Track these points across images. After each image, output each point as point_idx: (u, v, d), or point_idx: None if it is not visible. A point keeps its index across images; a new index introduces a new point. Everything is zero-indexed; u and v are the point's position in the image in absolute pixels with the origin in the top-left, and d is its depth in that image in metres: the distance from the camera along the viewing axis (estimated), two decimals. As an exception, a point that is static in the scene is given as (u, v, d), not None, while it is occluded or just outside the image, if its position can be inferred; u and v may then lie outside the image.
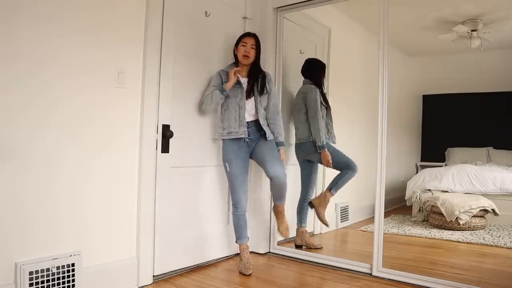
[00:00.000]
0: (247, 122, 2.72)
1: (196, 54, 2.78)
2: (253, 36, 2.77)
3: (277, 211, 2.85)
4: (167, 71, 2.54)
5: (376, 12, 2.70)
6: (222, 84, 2.70)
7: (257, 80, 2.75)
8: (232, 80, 2.64)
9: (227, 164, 2.72)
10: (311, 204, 3.23)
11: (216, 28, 2.92)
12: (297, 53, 3.56)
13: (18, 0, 1.83)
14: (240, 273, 2.68)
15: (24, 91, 1.87)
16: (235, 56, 2.79)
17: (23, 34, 1.85)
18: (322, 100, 3.16)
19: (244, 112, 2.68)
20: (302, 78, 3.30)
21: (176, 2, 2.58)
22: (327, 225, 3.12)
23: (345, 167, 3.15)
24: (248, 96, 2.72)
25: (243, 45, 2.73)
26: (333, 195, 3.16)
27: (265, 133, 2.74)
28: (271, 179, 2.70)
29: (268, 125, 2.80)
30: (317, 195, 3.28)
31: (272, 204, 2.94)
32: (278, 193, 2.76)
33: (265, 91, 2.76)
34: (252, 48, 2.73)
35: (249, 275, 2.65)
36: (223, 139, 2.75)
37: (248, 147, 2.75)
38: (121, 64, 2.28)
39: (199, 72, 2.80)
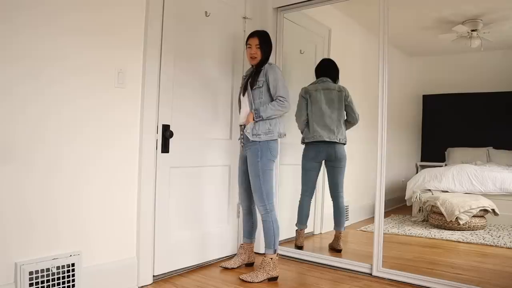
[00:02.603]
0: (244, 125, 2.65)
1: (196, 54, 2.77)
2: (256, 35, 2.66)
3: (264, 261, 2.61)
4: (167, 71, 2.54)
5: (376, 12, 2.70)
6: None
7: (251, 75, 2.67)
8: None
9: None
10: (338, 250, 3.20)
11: (216, 28, 2.92)
12: (297, 53, 3.56)
13: (18, 1, 1.83)
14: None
15: (24, 91, 1.87)
16: None
17: (23, 34, 1.85)
18: None
19: (240, 114, 2.71)
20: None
21: (176, 2, 2.58)
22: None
23: (333, 193, 3.20)
24: (243, 93, 2.67)
25: (249, 47, 2.67)
26: (342, 231, 3.25)
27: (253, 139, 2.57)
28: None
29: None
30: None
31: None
32: (264, 232, 2.62)
33: (256, 85, 2.59)
34: (257, 47, 2.63)
35: (232, 269, 2.73)
36: None
37: (244, 152, 2.68)
38: (121, 64, 2.28)
39: (199, 72, 2.80)
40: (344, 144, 3.18)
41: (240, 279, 2.54)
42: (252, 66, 2.73)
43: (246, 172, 2.71)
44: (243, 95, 2.67)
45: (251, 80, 2.65)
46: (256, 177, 2.57)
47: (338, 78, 3.29)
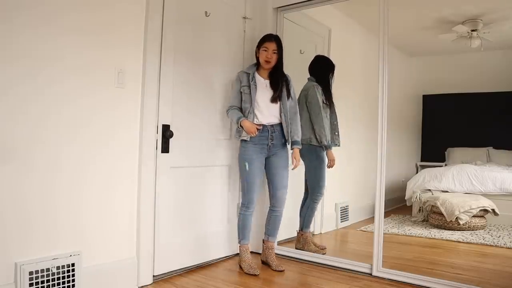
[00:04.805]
0: (272, 125, 2.73)
1: (196, 54, 2.77)
2: (275, 40, 2.72)
3: (267, 248, 2.84)
4: (167, 71, 2.54)
5: (376, 12, 2.70)
6: (240, 88, 2.74)
7: (282, 85, 2.73)
8: (250, 134, 2.67)
9: (246, 164, 2.71)
10: (300, 249, 3.12)
11: (216, 28, 2.92)
12: (297, 53, 3.56)
13: (18, 1, 1.83)
14: (248, 274, 2.64)
15: (24, 91, 1.87)
16: (257, 58, 2.78)
17: (23, 34, 1.85)
18: (325, 99, 3.12)
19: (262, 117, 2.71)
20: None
21: (176, 2, 2.58)
22: (324, 248, 3.11)
23: (311, 191, 3.13)
24: (274, 100, 2.71)
25: (265, 50, 2.70)
26: (309, 232, 3.17)
27: (285, 142, 2.77)
28: (273, 202, 2.79)
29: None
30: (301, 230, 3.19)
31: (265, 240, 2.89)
32: (273, 224, 2.82)
33: (289, 97, 2.78)
34: (274, 53, 2.69)
35: (257, 275, 2.63)
36: (244, 140, 2.73)
37: (268, 151, 2.75)
38: (121, 64, 2.28)
39: (199, 72, 2.80)
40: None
41: (279, 270, 2.73)
42: (256, 66, 2.78)
43: (263, 171, 2.79)
44: (274, 102, 2.70)
45: (286, 89, 2.75)
46: (287, 176, 2.81)
47: (324, 74, 3.19)
